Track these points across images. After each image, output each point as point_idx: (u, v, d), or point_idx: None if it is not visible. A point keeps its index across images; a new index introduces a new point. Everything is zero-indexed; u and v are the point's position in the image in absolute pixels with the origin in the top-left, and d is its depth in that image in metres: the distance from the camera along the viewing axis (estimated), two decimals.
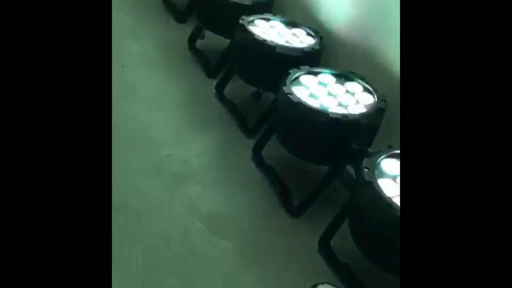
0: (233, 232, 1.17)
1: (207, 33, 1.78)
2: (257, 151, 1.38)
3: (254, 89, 1.57)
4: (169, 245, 1.10)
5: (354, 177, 1.14)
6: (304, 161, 1.29)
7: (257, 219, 1.22)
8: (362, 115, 1.15)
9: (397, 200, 0.91)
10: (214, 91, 1.61)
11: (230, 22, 1.51)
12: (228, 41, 1.63)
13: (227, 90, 1.60)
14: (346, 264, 1.09)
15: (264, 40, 1.38)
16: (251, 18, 1.49)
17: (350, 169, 1.25)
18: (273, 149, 1.35)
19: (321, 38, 1.46)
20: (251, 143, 1.40)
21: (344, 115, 1.14)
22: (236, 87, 1.58)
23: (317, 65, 1.37)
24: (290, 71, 1.26)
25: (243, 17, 1.47)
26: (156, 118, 1.48)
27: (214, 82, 1.62)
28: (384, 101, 1.20)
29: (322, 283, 0.41)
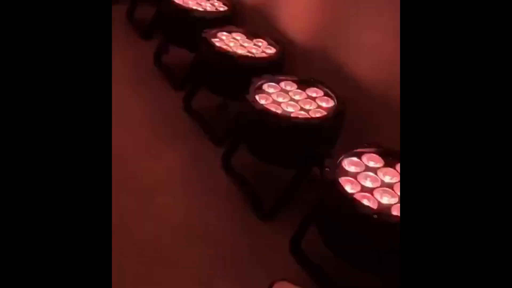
0: (206, 240, 1.19)
1: (173, 48, 1.81)
2: (226, 160, 1.41)
3: (221, 100, 1.61)
4: (142, 257, 1.11)
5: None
6: (272, 166, 1.32)
7: (229, 226, 1.24)
8: (323, 119, 1.20)
9: (358, 196, 0.95)
10: (181, 103, 1.63)
11: (194, 36, 1.55)
12: (193, 54, 1.67)
13: (194, 102, 1.63)
14: (317, 264, 1.12)
15: (227, 52, 1.42)
16: (214, 31, 1.53)
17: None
18: (241, 157, 1.39)
19: (282, 47, 1.51)
20: (220, 152, 1.43)
21: (306, 119, 1.18)
22: (204, 99, 1.62)
23: (279, 73, 1.42)
24: (253, 80, 1.30)
25: (206, 30, 1.51)
26: (125, 133, 1.49)
27: (182, 95, 1.65)
28: (344, 104, 1.25)
29: (279, 280, 0.43)
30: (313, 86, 1.33)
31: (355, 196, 0.95)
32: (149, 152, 1.44)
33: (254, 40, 1.55)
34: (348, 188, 0.96)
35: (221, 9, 1.73)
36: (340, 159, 1.04)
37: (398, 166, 1.04)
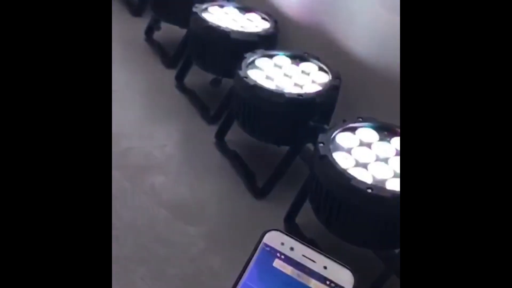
0: (199, 217, 1.18)
1: (164, 24, 1.77)
2: (219, 137, 1.39)
3: (213, 76, 1.58)
4: (134, 235, 1.10)
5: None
6: (266, 143, 1.30)
7: (222, 204, 1.23)
8: (317, 94, 1.17)
9: (352, 171, 0.93)
10: (174, 81, 1.60)
11: (185, 11, 1.51)
12: (185, 31, 1.63)
13: (187, 80, 1.60)
14: (312, 239, 1.12)
15: (219, 27, 1.39)
16: (204, 6, 1.49)
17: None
18: (235, 134, 1.37)
19: (275, 21, 1.47)
20: (213, 130, 1.41)
21: (299, 94, 1.16)
22: (196, 76, 1.59)
23: (273, 48, 1.39)
24: (245, 55, 1.27)
25: (196, 5, 1.47)
26: (116, 111, 1.45)
27: (174, 73, 1.62)
28: (339, 79, 1.23)
29: (271, 230, 0.43)
30: (307, 61, 1.30)
31: (349, 170, 0.93)
32: (141, 131, 1.42)
33: (247, 15, 1.51)
34: (342, 163, 0.95)
35: None
36: (334, 134, 1.02)
37: (393, 140, 1.03)
